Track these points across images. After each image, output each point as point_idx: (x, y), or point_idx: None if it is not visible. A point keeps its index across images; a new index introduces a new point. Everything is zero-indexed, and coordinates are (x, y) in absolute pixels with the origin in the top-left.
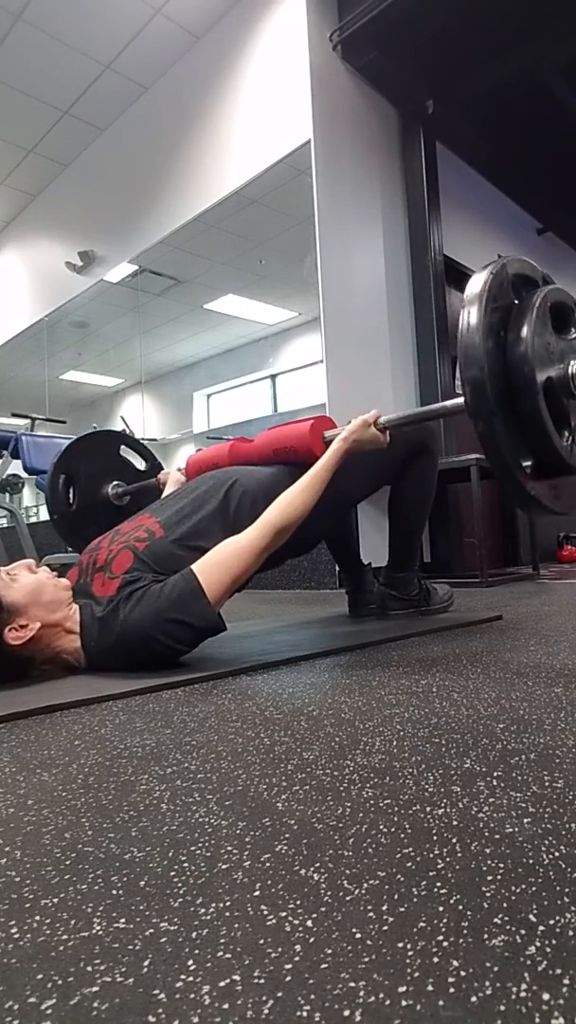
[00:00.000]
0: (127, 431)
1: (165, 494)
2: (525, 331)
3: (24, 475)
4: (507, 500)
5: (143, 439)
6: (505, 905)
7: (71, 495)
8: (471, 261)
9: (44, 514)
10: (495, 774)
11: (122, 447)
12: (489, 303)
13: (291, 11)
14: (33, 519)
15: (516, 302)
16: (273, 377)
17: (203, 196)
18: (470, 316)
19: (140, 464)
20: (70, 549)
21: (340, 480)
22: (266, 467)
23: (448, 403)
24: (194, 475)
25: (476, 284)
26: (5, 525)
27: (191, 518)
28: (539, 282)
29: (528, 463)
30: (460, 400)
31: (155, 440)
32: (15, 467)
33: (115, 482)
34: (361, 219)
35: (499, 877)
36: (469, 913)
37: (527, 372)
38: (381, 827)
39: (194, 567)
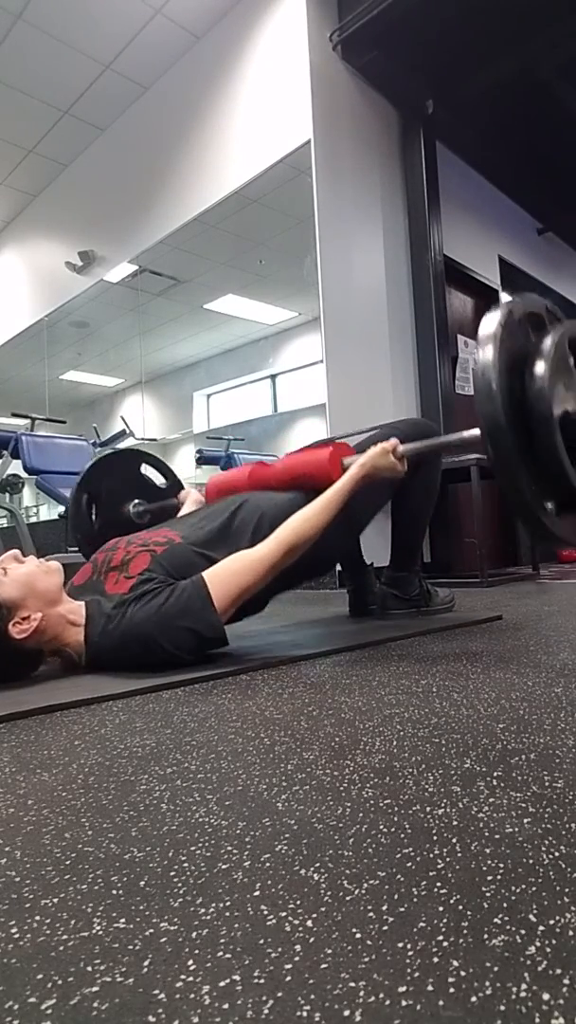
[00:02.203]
0: (127, 431)
1: (183, 513)
2: (540, 369)
3: (24, 475)
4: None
5: (143, 439)
6: (505, 905)
7: (93, 515)
8: (471, 261)
9: (44, 514)
10: (495, 774)
11: (143, 465)
12: (503, 341)
13: (291, 11)
14: (33, 519)
15: (530, 340)
16: (273, 377)
17: (203, 196)
18: (485, 355)
19: (159, 480)
20: (70, 549)
21: (353, 504)
22: (285, 493)
23: (465, 433)
24: (214, 497)
25: (490, 324)
26: (5, 525)
27: (211, 534)
28: (546, 318)
29: (550, 504)
30: (477, 431)
31: (155, 440)
32: (15, 467)
33: (136, 500)
34: (361, 219)
35: (499, 877)
36: (469, 913)
37: (543, 409)
38: (381, 827)
39: (204, 574)
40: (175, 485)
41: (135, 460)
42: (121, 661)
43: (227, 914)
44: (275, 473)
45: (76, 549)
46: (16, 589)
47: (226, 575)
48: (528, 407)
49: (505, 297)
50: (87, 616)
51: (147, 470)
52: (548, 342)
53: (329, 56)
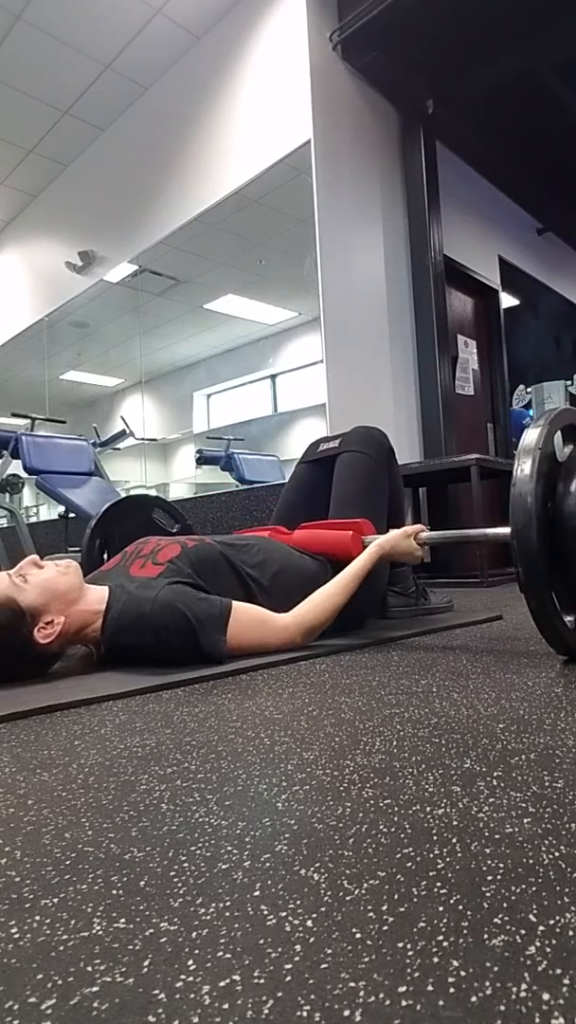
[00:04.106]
0: (127, 431)
1: None
2: (574, 485)
3: (24, 475)
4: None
5: (143, 439)
6: (505, 905)
7: (105, 559)
8: (471, 261)
9: (44, 514)
10: (495, 774)
11: (156, 510)
12: (542, 454)
13: (291, 11)
14: (33, 519)
15: (567, 453)
16: (273, 377)
17: (203, 196)
18: (523, 468)
19: (172, 527)
20: (71, 549)
21: (372, 574)
22: (308, 558)
23: (489, 531)
24: None
25: (531, 437)
26: (5, 525)
27: (236, 545)
28: None
29: (570, 617)
30: (506, 531)
31: (155, 440)
32: (15, 467)
33: None
34: (361, 219)
35: (499, 877)
36: (469, 913)
37: (573, 523)
38: (381, 827)
39: (235, 606)
40: (186, 529)
41: (147, 505)
42: (131, 637)
43: (227, 914)
44: (294, 543)
45: (76, 549)
46: (39, 595)
47: (249, 620)
48: (559, 520)
49: (506, 297)
50: (109, 599)
51: (159, 516)
52: None
53: (329, 56)
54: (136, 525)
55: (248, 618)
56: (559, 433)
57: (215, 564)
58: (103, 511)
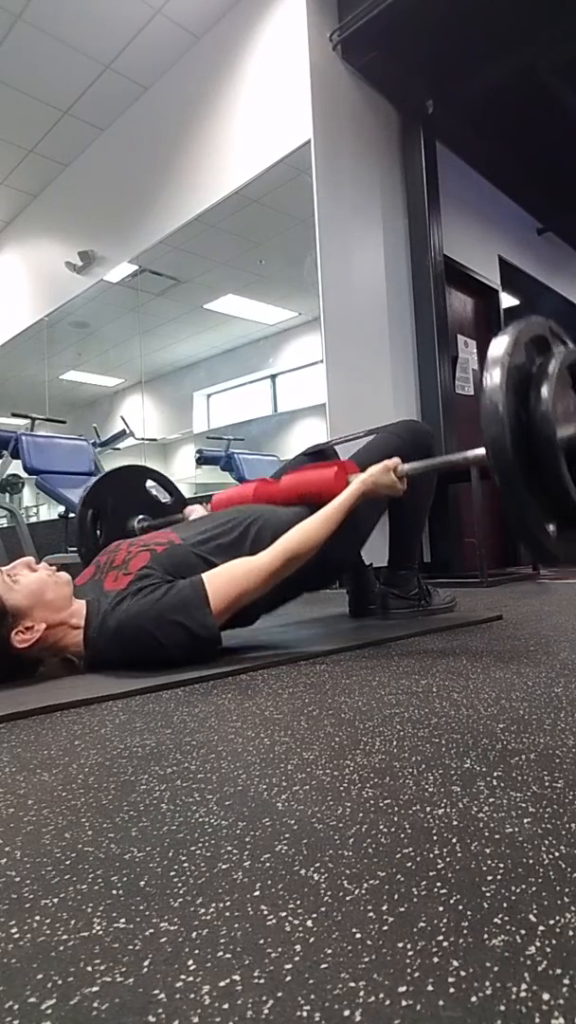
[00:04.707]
0: (127, 431)
1: None
2: (545, 392)
3: (24, 475)
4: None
5: (143, 439)
6: (505, 905)
7: (98, 530)
8: (471, 261)
9: (44, 514)
10: (495, 774)
11: (148, 481)
12: (510, 366)
13: (291, 11)
14: (33, 519)
15: (537, 363)
16: (273, 377)
17: (203, 196)
18: (492, 378)
19: (164, 497)
20: (70, 549)
21: (359, 513)
22: (289, 507)
23: (469, 453)
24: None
25: (497, 348)
26: (5, 525)
27: (212, 538)
28: (550, 340)
29: (551, 526)
30: (481, 451)
31: (155, 440)
32: (15, 467)
33: (140, 516)
34: (361, 219)
35: (499, 877)
36: (469, 913)
37: (547, 432)
38: (381, 827)
39: (204, 576)
40: (179, 502)
41: (140, 476)
42: (117, 657)
43: (227, 914)
44: (280, 490)
45: (76, 550)
46: (25, 598)
47: (225, 579)
48: (532, 430)
49: (506, 297)
50: (87, 615)
51: (152, 486)
52: (552, 366)
53: (329, 56)
54: (129, 495)
55: (224, 578)
56: (532, 346)
57: (188, 563)
58: (95, 481)
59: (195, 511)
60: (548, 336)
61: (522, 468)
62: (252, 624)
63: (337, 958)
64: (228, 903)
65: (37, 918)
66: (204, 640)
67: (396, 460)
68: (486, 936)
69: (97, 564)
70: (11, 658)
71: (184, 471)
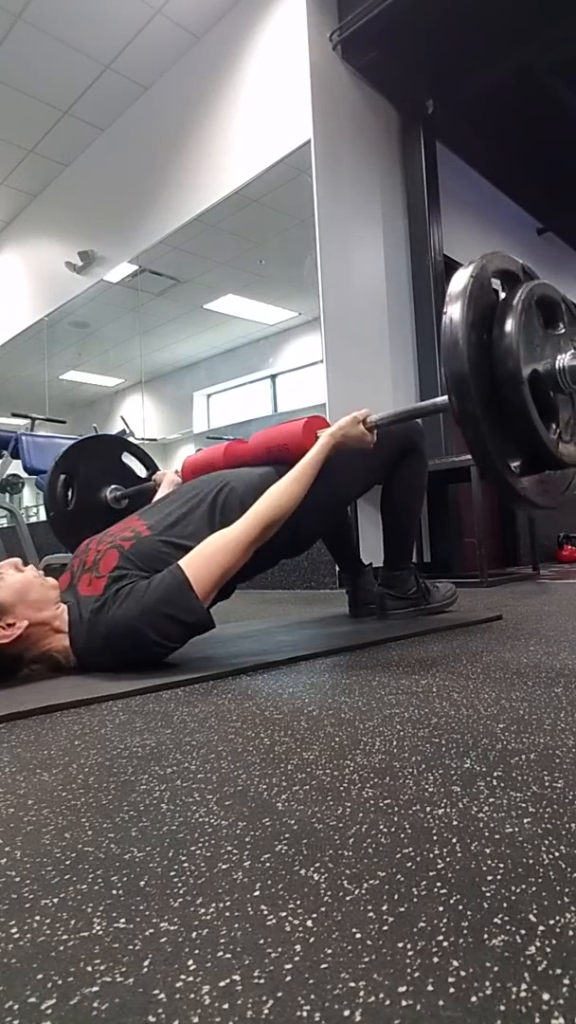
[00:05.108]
0: (127, 431)
1: (159, 496)
2: (509, 325)
3: (24, 475)
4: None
5: (143, 439)
6: (505, 905)
7: (69, 495)
8: None
9: (44, 514)
10: (495, 774)
11: (124, 453)
12: (472, 299)
13: (291, 11)
14: (33, 519)
15: (501, 297)
16: (273, 377)
17: (203, 196)
18: (452, 313)
19: (141, 471)
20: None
21: (332, 480)
22: (258, 468)
23: (437, 400)
24: (190, 477)
25: (458, 281)
26: (5, 525)
27: (179, 520)
28: (521, 276)
29: (516, 463)
30: (446, 397)
31: (155, 440)
32: (15, 467)
33: (114, 486)
34: (361, 219)
35: (499, 877)
36: (469, 913)
37: (511, 366)
38: (381, 827)
39: (181, 562)
40: (154, 472)
41: (117, 447)
42: (110, 660)
43: (227, 914)
44: (250, 448)
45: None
46: (8, 595)
47: (204, 559)
48: (496, 363)
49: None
50: (69, 622)
51: (128, 459)
52: (517, 297)
53: (329, 56)
54: (104, 465)
55: (203, 559)
56: (498, 280)
57: (157, 554)
58: (69, 446)
59: (166, 476)
60: (519, 272)
61: (484, 403)
62: (230, 597)
63: (337, 958)
64: (228, 903)
65: (37, 918)
66: (196, 626)
67: (366, 411)
68: (486, 936)
69: (71, 569)
70: None
71: None
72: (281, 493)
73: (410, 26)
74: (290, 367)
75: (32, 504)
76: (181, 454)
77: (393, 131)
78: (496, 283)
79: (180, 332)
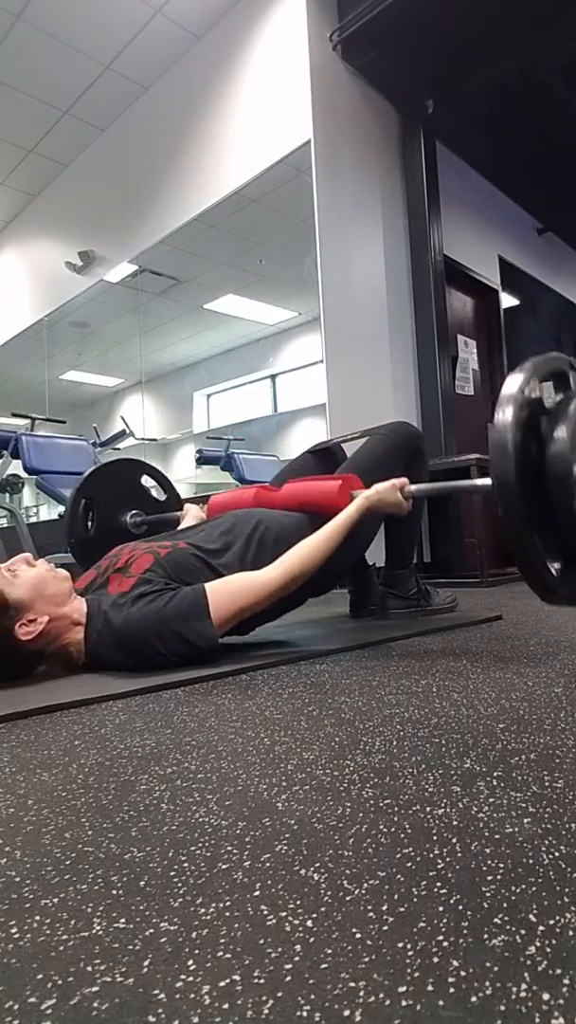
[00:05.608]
0: (127, 431)
1: (182, 527)
2: (561, 431)
3: (24, 475)
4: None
5: (143, 439)
6: (505, 905)
7: (90, 520)
8: (471, 261)
9: (44, 514)
10: (495, 774)
11: (144, 477)
12: (523, 401)
13: (291, 11)
14: (33, 519)
15: (556, 398)
16: (273, 377)
17: (203, 196)
18: (504, 414)
19: (160, 495)
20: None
21: (360, 530)
22: (291, 513)
23: (477, 482)
24: (216, 514)
25: (513, 383)
26: (5, 525)
27: (214, 541)
28: (570, 373)
29: (556, 564)
30: (489, 481)
31: (155, 440)
32: (15, 467)
33: (134, 511)
34: (361, 219)
35: (499, 877)
36: (469, 913)
37: (562, 468)
38: (381, 827)
39: (207, 586)
40: (172, 499)
41: (136, 470)
42: (117, 659)
43: (227, 914)
44: (281, 498)
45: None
46: (26, 591)
47: (228, 592)
48: (546, 467)
49: (506, 297)
50: (88, 614)
51: (147, 482)
52: (573, 407)
53: (329, 56)
54: (123, 489)
55: (227, 591)
56: (550, 382)
57: (191, 566)
58: (91, 471)
59: (191, 511)
60: (568, 371)
61: (528, 505)
62: (247, 634)
63: (337, 958)
64: (228, 903)
65: (37, 918)
66: (204, 650)
67: (404, 480)
68: (486, 936)
69: (98, 568)
70: (14, 652)
71: (184, 471)
72: (312, 549)
73: (410, 26)
74: (290, 367)
75: (32, 504)
76: (181, 454)
77: (393, 131)
78: (549, 386)
79: (180, 332)
